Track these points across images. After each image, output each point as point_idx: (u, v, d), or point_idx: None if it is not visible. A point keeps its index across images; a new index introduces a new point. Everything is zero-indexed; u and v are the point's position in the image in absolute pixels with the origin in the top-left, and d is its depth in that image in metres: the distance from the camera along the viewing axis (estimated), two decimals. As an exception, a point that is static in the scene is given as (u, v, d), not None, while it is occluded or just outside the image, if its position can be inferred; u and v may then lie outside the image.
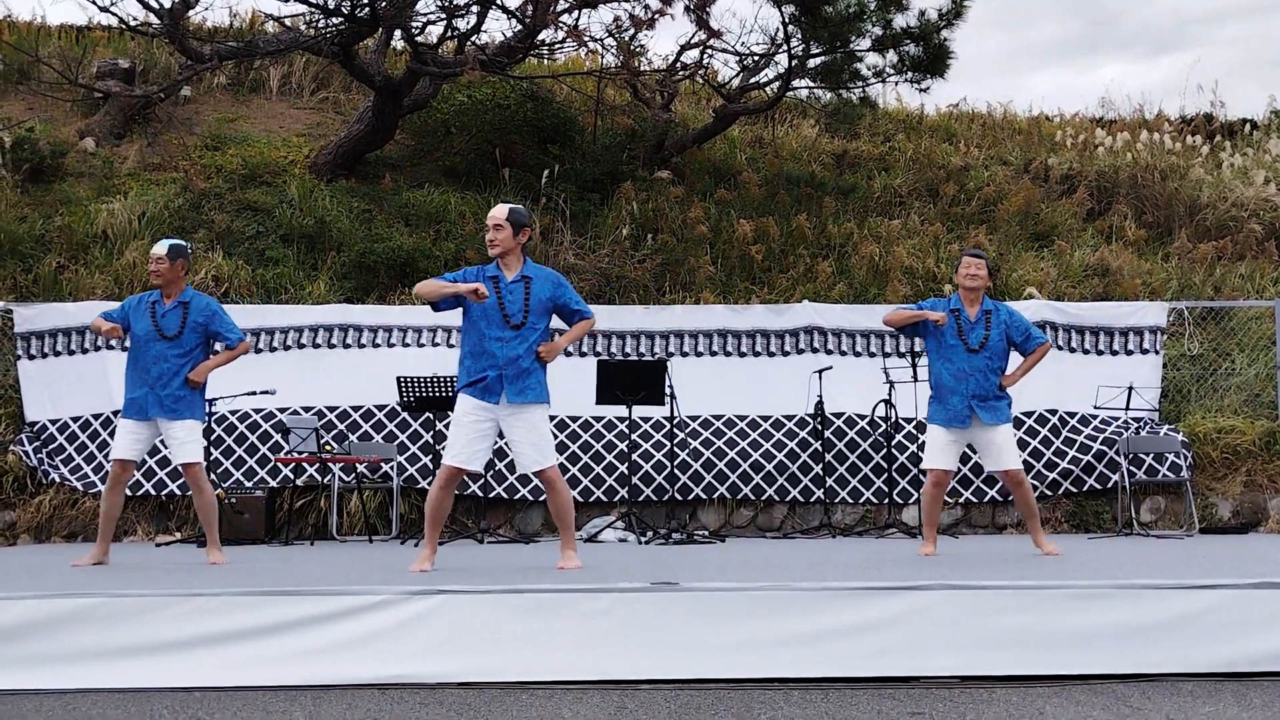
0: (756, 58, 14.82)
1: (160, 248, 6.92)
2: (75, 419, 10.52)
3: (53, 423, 10.55)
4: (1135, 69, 36.92)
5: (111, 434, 10.24)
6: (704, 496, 10.26)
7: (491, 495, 10.03)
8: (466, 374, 5.89)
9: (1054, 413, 10.64)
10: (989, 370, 6.83)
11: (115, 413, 10.37)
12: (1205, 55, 36.76)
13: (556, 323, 6.17)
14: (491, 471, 9.94)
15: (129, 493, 9.97)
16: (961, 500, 10.37)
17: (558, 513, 6.05)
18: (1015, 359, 7.05)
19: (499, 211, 5.93)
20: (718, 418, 10.72)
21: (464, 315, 5.98)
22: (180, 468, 6.89)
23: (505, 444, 6.06)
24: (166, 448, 6.86)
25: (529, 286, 5.91)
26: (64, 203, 12.67)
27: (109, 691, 4.12)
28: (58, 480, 10.21)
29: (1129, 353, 11.06)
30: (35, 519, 10.12)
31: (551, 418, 10.39)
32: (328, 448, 9.74)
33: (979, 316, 6.90)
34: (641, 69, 14.35)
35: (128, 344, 6.99)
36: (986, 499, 10.37)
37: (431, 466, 9.97)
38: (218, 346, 7.10)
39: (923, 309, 7.01)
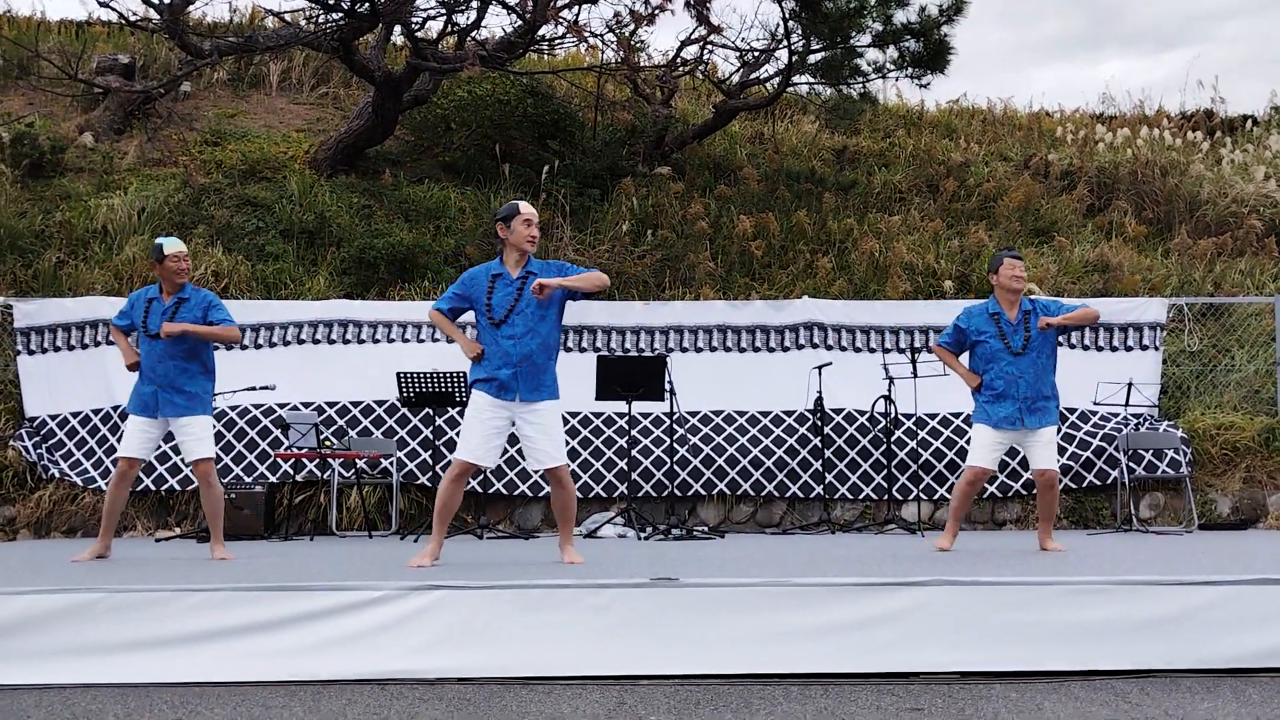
0: (757, 53, 14.81)
1: (181, 244, 6.90)
2: (75, 414, 10.52)
3: (52, 418, 10.55)
4: (1139, 65, 36.92)
5: (111, 429, 10.29)
6: (703, 492, 10.26)
7: (491, 491, 10.04)
8: (481, 370, 5.88)
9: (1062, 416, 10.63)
10: (1039, 369, 6.79)
11: (115, 408, 10.41)
12: (1210, 52, 36.74)
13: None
14: (491, 467, 9.94)
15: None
16: (961, 496, 10.36)
17: (563, 509, 6.03)
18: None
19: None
20: (717, 413, 10.72)
21: (475, 314, 5.97)
22: (190, 465, 6.85)
23: (518, 438, 6.04)
24: (177, 446, 6.81)
25: (526, 283, 5.89)
26: (64, 198, 12.67)
27: (109, 686, 4.13)
28: (57, 475, 10.21)
29: (1129, 349, 11.05)
30: (35, 514, 10.12)
31: (551, 413, 10.49)
32: (327, 443, 9.74)
33: (1019, 318, 6.86)
34: (641, 65, 14.34)
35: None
36: (986, 495, 10.37)
37: (431, 462, 9.97)
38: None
39: (959, 327, 6.99)
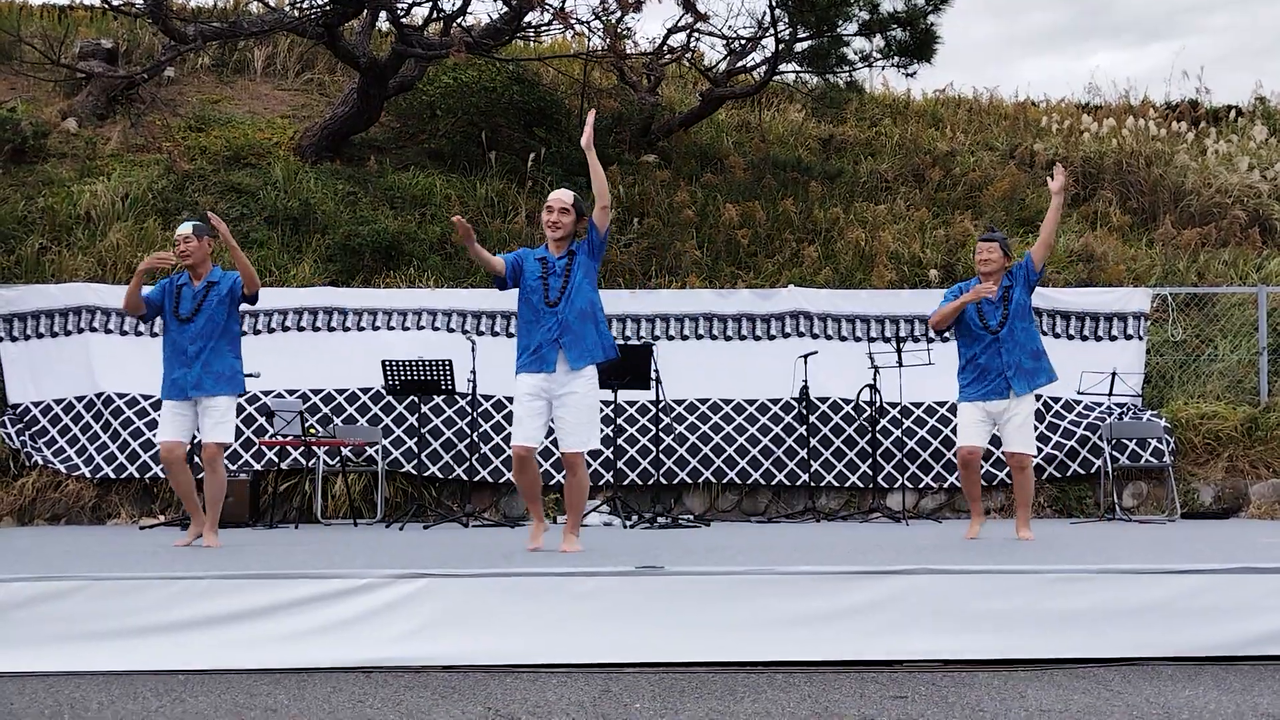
0: (743, 41, 14.79)
1: (185, 227, 6.93)
2: (58, 401, 10.47)
3: (35, 405, 10.50)
4: (1126, 56, 37.00)
5: (95, 416, 10.25)
6: (689, 481, 10.27)
7: (476, 479, 10.03)
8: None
9: (1038, 398, 10.66)
10: (1016, 333, 6.82)
11: (99, 395, 10.36)
12: (1196, 43, 36.85)
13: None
14: (476, 455, 9.93)
15: (112, 475, 10.00)
16: (946, 485, 10.41)
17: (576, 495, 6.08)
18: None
19: (565, 195, 5.99)
20: (703, 402, 10.73)
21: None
22: (204, 445, 6.80)
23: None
24: (199, 426, 6.81)
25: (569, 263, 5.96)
26: (46, 184, 12.59)
27: (93, 674, 4.12)
28: (40, 463, 10.17)
29: (1113, 338, 11.10)
30: (18, 501, 10.08)
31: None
32: (312, 431, 9.72)
33: (999, 296, 6.90)
34: (628, 52, 14.30)
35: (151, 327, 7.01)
36: (970, 484, 10.40)
37: (416, 450, 9.96)
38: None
39: (961, 294, 7.00)
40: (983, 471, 10.28)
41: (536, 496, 6.16)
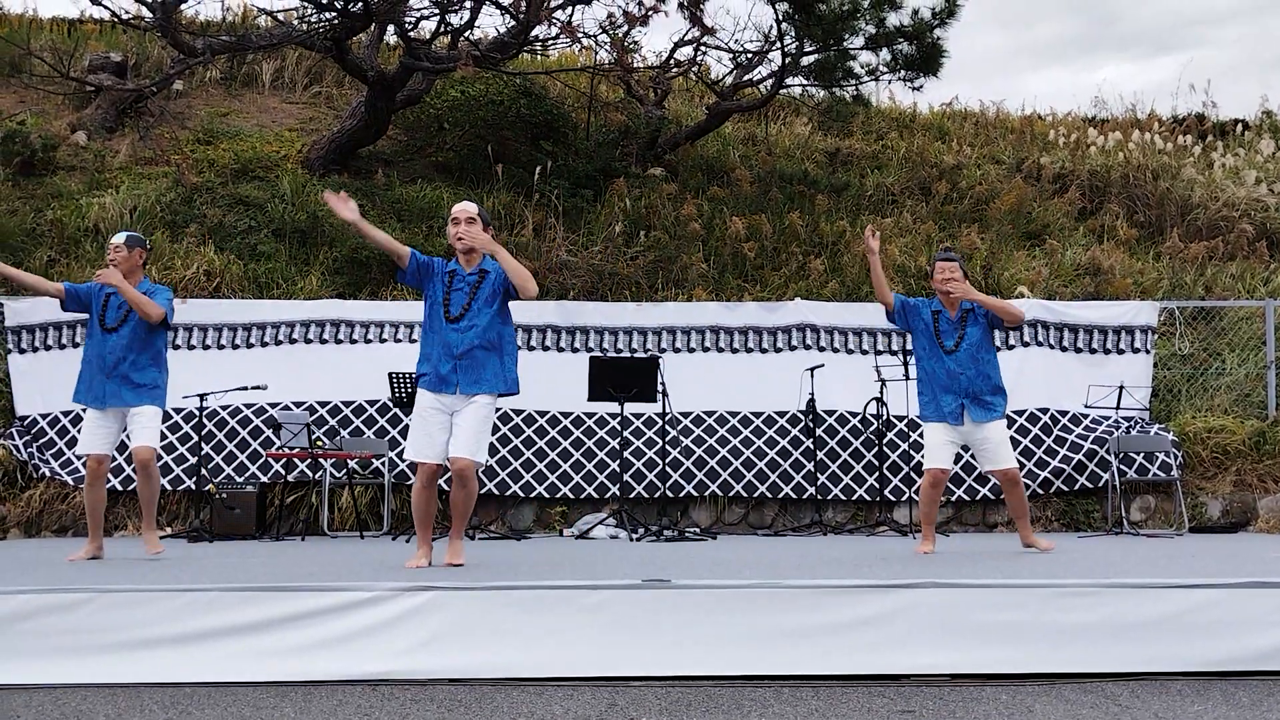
0: (750, 55, 14.83)
1: (119, 236, 6.96)
2: (65, 413, 10.49)
3: (43, 417, 10.52)
4: (1134, 69, 37.05)
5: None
6: (695, 494, 10.26)
7: (483, 492, 10.02)
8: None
9: (1045, 412, 10.66)
10: (979, 364, 6.82)
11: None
12: (1206, 56, 36.88)
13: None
14: (482, 468, 9.92)
15: (120, 488, 10.00)
16: (953, 499, 10.39)
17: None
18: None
19: (470, 206, 5.93)
20: (710, 414, 10.73)
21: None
22: (133, 450, 6.77)
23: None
24: (128, 433, 6.82)
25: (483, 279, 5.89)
26: (55, 196, 12.64)
27: (99, 687, 4.12)
28: (48, 474, 10.19)
29: (1120, 352, 11.09)
30: (25, 513, 10.10)
31: (543, 414, 10.52)
32: (319, 443, 9.72)
33: (959, 317, 6.90)
34: (635, 65, 14.34)
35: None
36: (978, 497, 10.39)
37: (423, 462, 9.96)
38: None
39: (905, 301, 7.04)
40: (990, 485, 10.30)
41: (432, 517, 6.08)
